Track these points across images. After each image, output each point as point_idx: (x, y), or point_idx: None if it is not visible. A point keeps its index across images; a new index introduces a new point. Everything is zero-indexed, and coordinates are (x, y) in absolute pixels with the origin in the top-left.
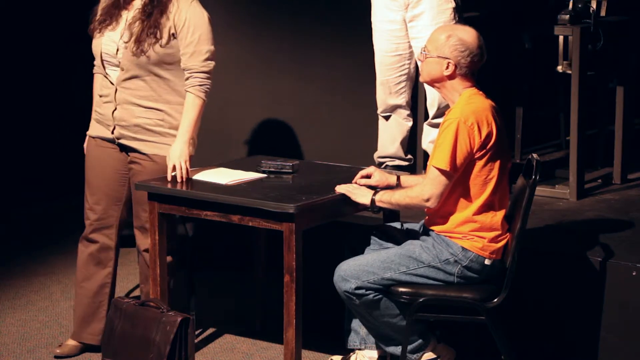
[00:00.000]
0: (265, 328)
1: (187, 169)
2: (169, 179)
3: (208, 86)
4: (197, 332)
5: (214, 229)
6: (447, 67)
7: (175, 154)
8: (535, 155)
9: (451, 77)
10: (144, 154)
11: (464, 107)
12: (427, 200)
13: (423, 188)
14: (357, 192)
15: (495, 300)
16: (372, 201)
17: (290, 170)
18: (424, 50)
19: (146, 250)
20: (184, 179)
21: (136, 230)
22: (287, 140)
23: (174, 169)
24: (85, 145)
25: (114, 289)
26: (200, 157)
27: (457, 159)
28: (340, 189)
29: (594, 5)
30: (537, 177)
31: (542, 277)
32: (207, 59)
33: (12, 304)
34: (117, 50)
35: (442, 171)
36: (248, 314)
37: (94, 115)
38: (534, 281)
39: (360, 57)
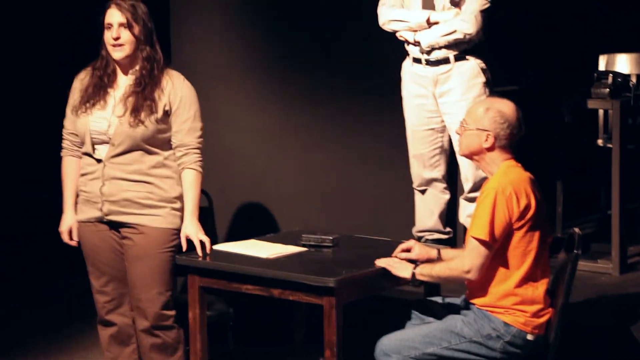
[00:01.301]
0: None
1: (209, 241)
2: (200, 253)
3: (202, 160)
4: None
5: (254, 303)
6: (487, 140)
7: (193, 231)
8: (576, 230)
9: (490, 149)
10: (133, 226)
11: (501, 177)
12: (468, 271)
13: (463, 260)
14: (397, 265)
15: None
16: (413, 275)
17: (330, 244)
18: (463, 123)
19: (143, 331)
20: (209, 251)
21: (130, 312)
22: (327, 213)
23: (202, 245)
24: (63, 228)
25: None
26: (239, 231)
27: (495, 229)
28: (381, 262)
29: (633, 79)
30: (579, 252)
31: (586, 353)
32: (200, 136)
33: None
34: (109, 126)
35: (481, 241)
36: None
37: (79, 197)
38: (578, 357)
39: (397, 129)
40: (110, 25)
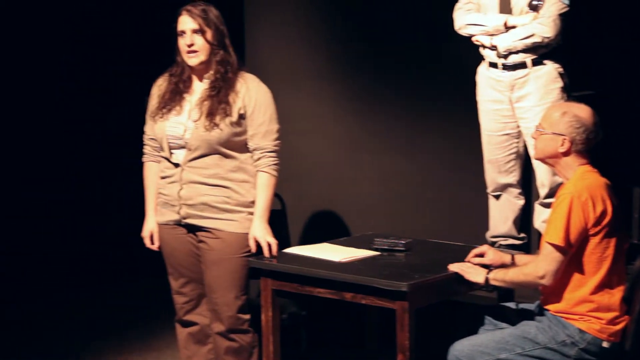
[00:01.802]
0: None
1: (276, 243)
2: (267, 255)
3: (278, 164)
4: None
5: (327, 306)
6: (562, 144)
7: (260, 232)
8: None
9: (566, 154)
10: (210, 230)
11: (577, 182)
12: (542, 277)
13: (537, 265)
14: (470, 270)
15: None
16: (486, 280)
17: (403, 248)
18: (539, 128)
19: (219, 334)
20: (275, 253)
21: (208, 313)
22: (399, 218)
23: (268, 246)
24: (145, 233)
25: None
26: (313, 235)
27: (570, 235)
28: (454, 267)
29: None
30: None
31: None
32: (277, 139)
33: None
34: (185, 131)
35: (555, 247)
36: None
37: (158, 200)
38: None
39: (472, 134)
40: (183, 33)
